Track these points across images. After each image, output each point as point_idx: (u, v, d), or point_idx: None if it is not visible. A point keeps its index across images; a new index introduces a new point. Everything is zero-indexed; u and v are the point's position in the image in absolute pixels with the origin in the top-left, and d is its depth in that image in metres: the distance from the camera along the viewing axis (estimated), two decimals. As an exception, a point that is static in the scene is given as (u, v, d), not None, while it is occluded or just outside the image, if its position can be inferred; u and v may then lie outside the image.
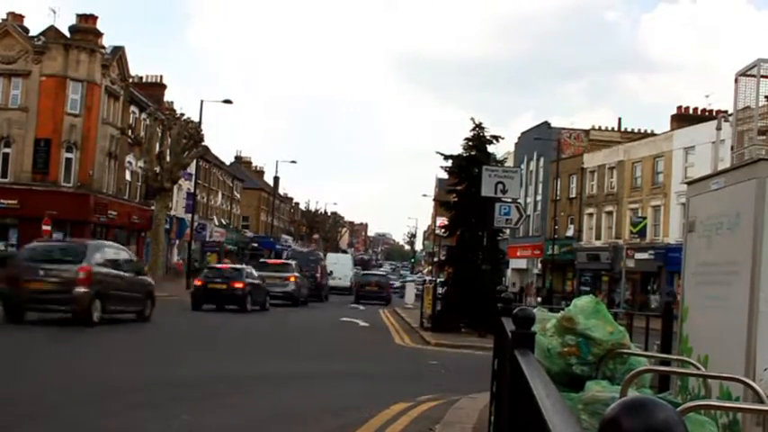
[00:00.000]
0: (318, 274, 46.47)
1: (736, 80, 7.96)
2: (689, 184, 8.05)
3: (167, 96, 58.18)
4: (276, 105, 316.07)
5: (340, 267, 60.36)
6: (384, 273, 70.00)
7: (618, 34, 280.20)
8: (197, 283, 30.38)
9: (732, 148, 8.36)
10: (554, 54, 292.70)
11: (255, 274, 32.04)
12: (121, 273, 20.90)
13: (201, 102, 46.38)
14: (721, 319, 6.56)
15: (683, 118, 48.41)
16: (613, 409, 1.29)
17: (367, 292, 49.14)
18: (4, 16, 43.99)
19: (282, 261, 44.06)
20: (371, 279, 52.93)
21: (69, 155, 42.41)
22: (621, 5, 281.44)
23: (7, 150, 42.03)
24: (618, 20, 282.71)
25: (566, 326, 5.76)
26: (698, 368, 5.86)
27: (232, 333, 22.03)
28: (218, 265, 37.48)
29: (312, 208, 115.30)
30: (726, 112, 37.81)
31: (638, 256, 44.23)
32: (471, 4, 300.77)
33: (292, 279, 36.80)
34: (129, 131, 45.61)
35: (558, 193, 57.60)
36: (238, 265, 35.15)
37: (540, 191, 64.29)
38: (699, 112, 48.82)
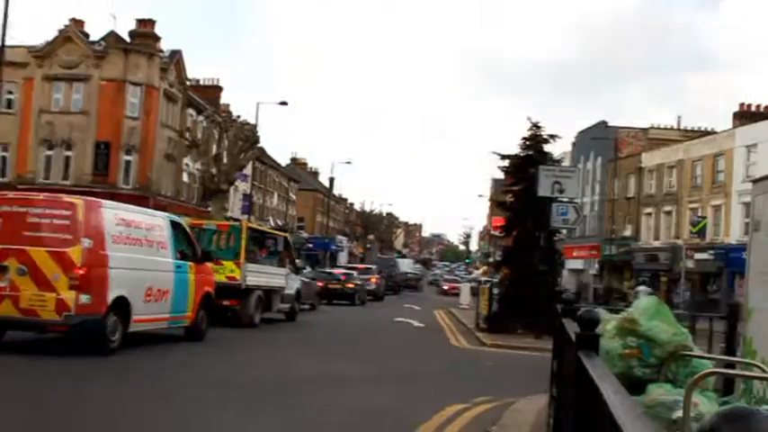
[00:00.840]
0: (395, 275, 63.92)
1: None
2: (754, 182, 7.85)
3: (224, 99, 58.84)
4: (334, 108, 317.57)
5: (405, 268, 79.18)
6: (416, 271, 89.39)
7: (687, 35, 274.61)
8: (319, 283, 35.91)
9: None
10: (620, 56, 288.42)
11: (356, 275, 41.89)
12: None
13: (258, 104, 46.98)
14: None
15: (746, 115, 47.43)
16: (712, 420, 1.22)
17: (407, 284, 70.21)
18: (67, 22, 44.93)
19: (366, 266, 56.62)
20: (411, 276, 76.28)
21: (128, 157, 43.12)
22: (690, 7, 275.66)
23: (68, 153, 42.91)
24: (686, 21, 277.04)
25: (627, 327, 5.65)
26: (764, 371, 5.71)
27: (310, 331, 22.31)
28: (332, 270, 46.41)
29: (367, 209, 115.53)
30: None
31: (698, 256, 43.50)
32: (539, 6, 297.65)
33: (374, 280, 47.62)
34: (187, 134, 46.20)
35: (616, 192, 56.86)
36: (348, 270, 44.68)
37: (597, 191, 63.52)
38: (762, 110, 47.81)
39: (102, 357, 12.51)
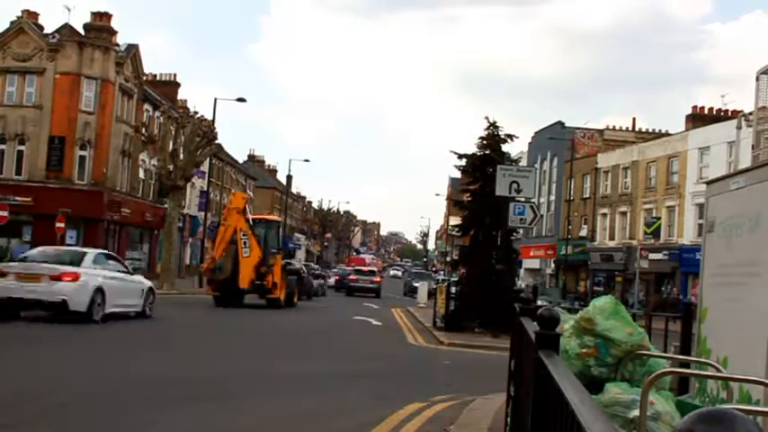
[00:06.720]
0: None
1: (757, 78, 7.82)
2: (708, 183, 7.92)
3: (181, 95, 58.33)
4: (303, 108, 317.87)
5: None
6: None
7: (668, 53, 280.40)
8: None
9: (753, 147, 8.23)
10: (602, 68, 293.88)
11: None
12: None
13: (215, 100, 46.55)
14: (741, 320, 6.46)
15: (699, 118, 48.13)
16: (688, 421, 1.19)
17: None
18: (19, 14, 44.14)
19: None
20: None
21: (83, 152, 42.48)
22: (668, 26, 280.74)
23: (21, 148, 42.17)
24: (666, 39, 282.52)
25: (584, 327, 5.67)
26: (718, 370, 5.77)
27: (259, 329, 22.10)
28: None
29: (325, 207, 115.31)
30: (742, 111, 37.56)
31: (652, 256, 44.00)
32: (518, 19, 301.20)
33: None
34: (143, 129, 45.69)
35: (572, 193, 57.33)
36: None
37: (553, 191, 64.01)
38: (714, 113, 48.53)
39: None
